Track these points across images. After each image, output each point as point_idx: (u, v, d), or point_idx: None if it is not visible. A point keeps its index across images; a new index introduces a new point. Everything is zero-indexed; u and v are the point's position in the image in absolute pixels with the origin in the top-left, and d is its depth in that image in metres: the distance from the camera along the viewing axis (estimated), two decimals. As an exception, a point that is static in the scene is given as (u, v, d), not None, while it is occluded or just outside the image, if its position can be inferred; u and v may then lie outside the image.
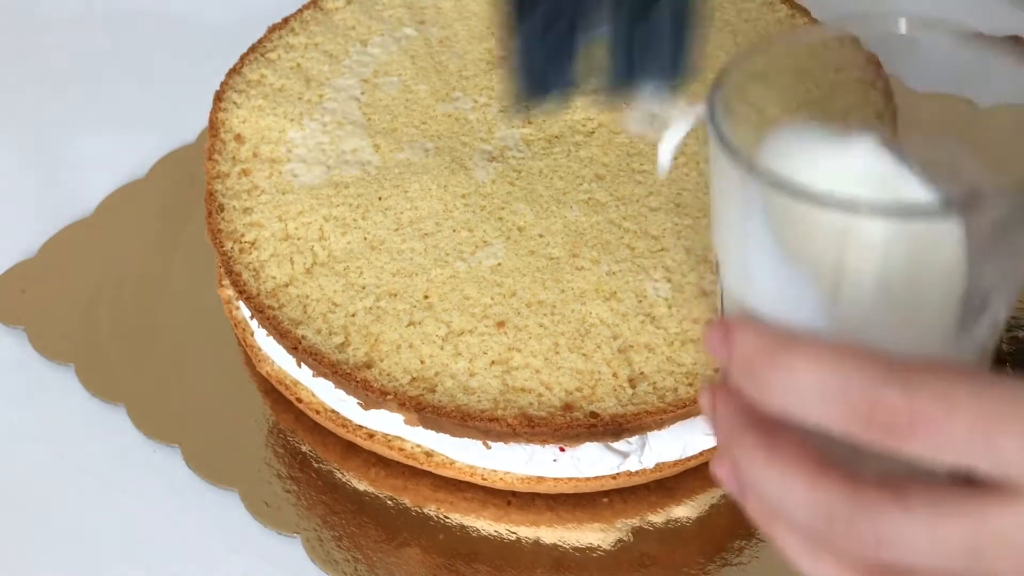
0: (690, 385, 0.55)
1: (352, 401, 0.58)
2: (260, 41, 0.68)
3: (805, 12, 0.70)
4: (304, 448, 0.61)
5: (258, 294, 0.58)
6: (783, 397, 0.35)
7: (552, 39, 0.43)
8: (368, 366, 0.56)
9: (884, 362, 0.34)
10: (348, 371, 0.55)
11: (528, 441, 0.55)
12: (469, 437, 0.56)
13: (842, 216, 0.35)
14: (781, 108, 0.41)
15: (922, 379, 0.33)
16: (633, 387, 0.55)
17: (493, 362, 0.56)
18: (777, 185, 0.35)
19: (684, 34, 0.44)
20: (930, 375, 0.34)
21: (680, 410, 0.54)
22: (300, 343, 0.56)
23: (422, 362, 0.56)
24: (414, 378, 0.55)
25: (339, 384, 0.56)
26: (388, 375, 0.55)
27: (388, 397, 0.55)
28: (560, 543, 0.58)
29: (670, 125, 0.43)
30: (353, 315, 0.57)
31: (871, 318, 0.36)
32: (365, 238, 0.60)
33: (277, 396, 0.62)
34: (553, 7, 0.43)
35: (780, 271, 0.37)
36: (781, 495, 0.36)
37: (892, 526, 0.34)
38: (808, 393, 0.34)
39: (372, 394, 0.55)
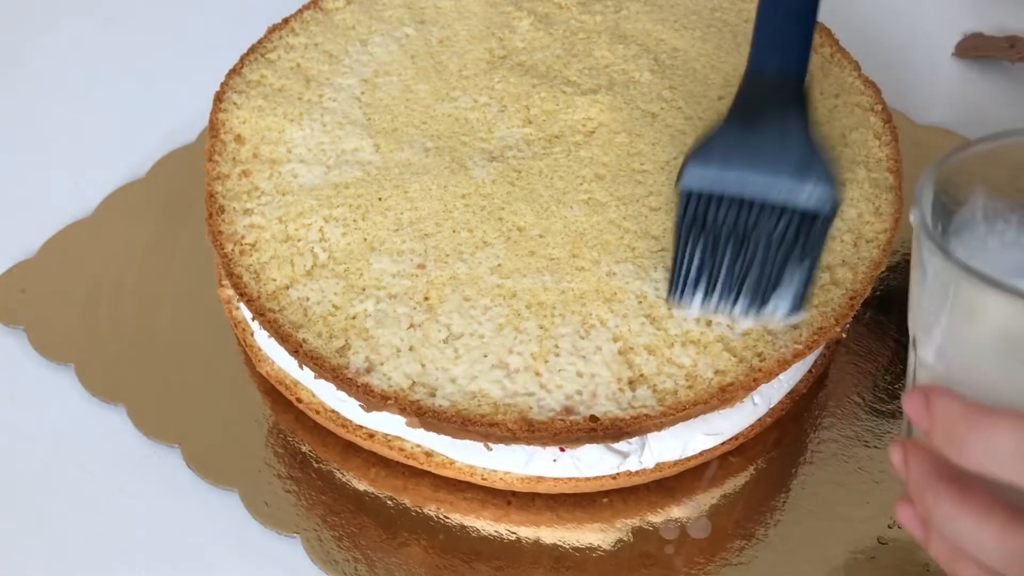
0: (690, 388, 0.55)
1: (352, 401, 0.58)
2: (260, 42, 0.68)
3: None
4: (304, 448, 0.61)
5: (259, 297, 0.58)
6: (982, 456, 0.40)
7: (707, 261, 0.56)
8: (369, 370, 0.56)
9: None
10: (349, 376, 0.55)
11: (528, 443, 0.55)
12: (470, 439, 0.56)
13: None
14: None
15: None
16: (633, 389, 0.55)
17: (493, 365, 0.56)
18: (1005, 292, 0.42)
19: (811, 272, 0.56)
20: None
21: (679, 413, 0.54)
22: (301, 347, 0.56)
23: (423, 365, 0.56)
24: (415, 382, 0.55)
25: (340, 387, 0.56)
26: (389, 379, 0.55)
27: (389, 402, 0.55)
28: (560, 543, 0.58)
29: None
30: (353, 318, 0.57)
31: None
32: (365, 239, 0.60)
33: (277, 396, 0.62)
34: (712, 242, 0.56)
35: (992, 362, 0.44)
36: (974, 536, 0.40)
37: None
38: (1006, 454, 0.39)
39: (373, 399, 0.55)
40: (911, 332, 0.50)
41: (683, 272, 0.56)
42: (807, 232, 0.55)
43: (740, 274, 0.56)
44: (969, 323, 0.44)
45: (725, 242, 0.56)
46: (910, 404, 0.43)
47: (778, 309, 0.56)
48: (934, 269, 0.45)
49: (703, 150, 0.56)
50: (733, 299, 0.56)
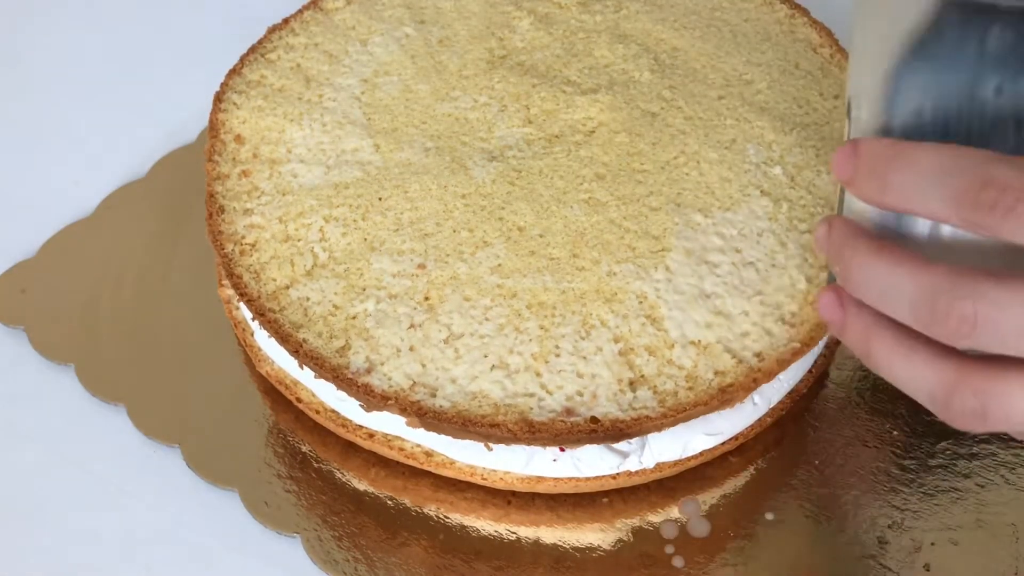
0: (690, 389, 0.55)
1: (352, 401, 0.58)
2: (260, 42, 0.68)
3: (805, 12, 0.71)
4: (304, 448, 0.61)
5: (259, 297, 0.58)
6: (903, 189, 0.39)
7: None
8: (369, 371, 0.56)
9: (996, 152, 0.38)
10: (350, 377, 0.55)
11: (529, 444, 0.55)
12: (470, 440, 0.56)
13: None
14: None
15: None
16: (633, 391, 0.55)
17: (494, 366, 0.56)
18: None
19: None
20: None
21: (680, 415, 0.54)
22: (301, 347, 0.56)
23: (423, 366, 0.56)
24: (415, 383, 0.55)
25: (340, 387, 0.56)
26: (389, 379, 0.55)
27: (390, 402, 0.55)
28: (560, 543, 0.58)
29: None
30: (354, 318, 0.57)
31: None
32: (365, 239, 0.60)
33: (277, 396, 0.62)
34: None
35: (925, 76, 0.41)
36: (888, 285, 0.40)
37: (990, 300, 0.38)
38: (926, 178, 0.38)
39: (374, 399, 0.55)
40: (848, 96, 0.47)
41: None
42: None
43: None
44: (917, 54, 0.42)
45: None
46: (838, 158, 0.42)
47: None
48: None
49: None
50: None
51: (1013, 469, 0.60)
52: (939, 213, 0.38)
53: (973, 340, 0.38)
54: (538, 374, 0.56)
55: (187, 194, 0.70)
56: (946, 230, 0.41)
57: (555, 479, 0.58)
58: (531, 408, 0.54)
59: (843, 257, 0.42)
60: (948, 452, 0.60)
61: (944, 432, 0.61)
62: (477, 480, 0.59)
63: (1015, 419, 0.39)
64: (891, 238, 0.42)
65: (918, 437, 0.61)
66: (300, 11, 0.70)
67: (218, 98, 0.66)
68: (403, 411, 0.55)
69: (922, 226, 0.42)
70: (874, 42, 0.44)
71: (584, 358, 0.56)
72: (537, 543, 0.58)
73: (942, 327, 0.39)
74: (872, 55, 0.44)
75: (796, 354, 0.56)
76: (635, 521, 0.58)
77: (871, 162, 0.40)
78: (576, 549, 0.58)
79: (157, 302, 0.66)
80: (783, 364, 0.56)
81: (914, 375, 0.41)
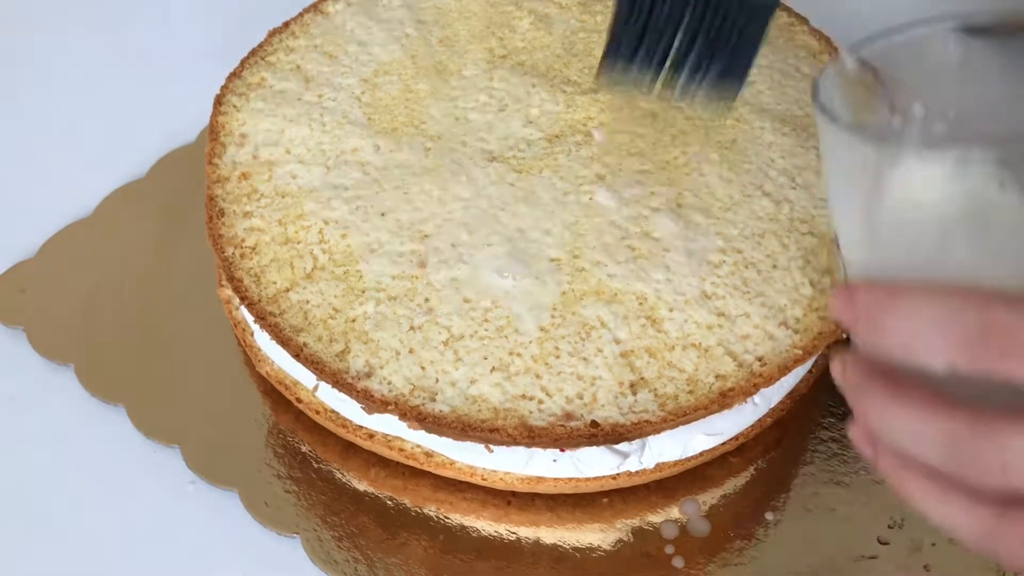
0: (690, 392, 0.55)
1: (353, 402, 0.58)
2: (260, 45, 0.68)
3: (804, 21, 0.70)
4: (304, 448, 0.61)
5: (259, 300, 0.58)
6: (905, 337, 0.38)
7: (646, 42, 0.54)
8: (369, 374, 0.56)
9: (991, 292, 0.37)
10: (349, 381, 0.55)
11: (529, 447, 0.55)
12: (471, 441, 0.56)
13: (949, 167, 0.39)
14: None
15: None
16: (634, 393, 0.55)
17: (493, 368, 0.56)
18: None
19: (755, 39, 0.54)
20: None
21: (680, 418, 0.54)
22: (302, 351, 0.56)
23: (423, 368, 0.56)
24: (415, 387, 0.55)
25: (341, 391, 0.56)
26: (389, 383, 0.55)
27: (390, 407, 0.55)
28: (560, 543, 0.58)
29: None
30: (353, 320, 0.57)
31: (976, 264, 0.40)
32: (365, 241, 0.60)
33: (277, 396, 0.62)
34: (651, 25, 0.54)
35: (893, 231, 0.41)
36: (909, 432, 0.39)
37: (1016, 449, 0.37)
38: (927, 328, 0.38)
39: (374, 403, 0.55)
40: (833, 232, 0.47)
41: (621, 42, 0.55)
42: (748, 24, 0.54)
43: (682, 48, 0.54)
44: (883, 202, 0.41)
45: (665, 23, 0.54)
46: (836, 303, 0.41)
47: (710, 79, 0.54)
48: (849, 155, 0.41)
49: None
50: (671, 72, 0.54)
51: (1013, 469, 0.60)
52: (946, 359, 0.38)
53: (1005, 484, 0.37)
54: (538, 376, 0.56)
55: (187, 194, 0.70)
56: (954, 375, 0.40)
57: (555, 479, 0.58)
58: (530, 412, 0.54)
59: (862, 403, 0.41)
60: (948, 452, 0.60)
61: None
62: (477, 480, 0.59)
63: None
64: (908, 372, 0.40)
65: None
66: (300, 14, 0.70)
67: (218, 101, 0.66)
68: (403, 416, 0.55)
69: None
70: (842, 183, 0.43)
71: (584, 360, 0.56)
72: (537, 543, 0.58)
73: (971, 474, 0.38)
74: (843, 196, 0.43)
75: (798, 360, 0.56)
76: (635, 521, 0.58)
77: (869, 312, 0.40)
78: (576, 549, 0.58)
79: (157, 302, 0.66)
80: (784, 370, 0.56)
81: (954, 520, 0.40)
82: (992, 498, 0.38)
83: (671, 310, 0.57)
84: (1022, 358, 0.36)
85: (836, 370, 0.43)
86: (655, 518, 0.59)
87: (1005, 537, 0.38)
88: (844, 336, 0.62)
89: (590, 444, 0.55)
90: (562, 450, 0.57)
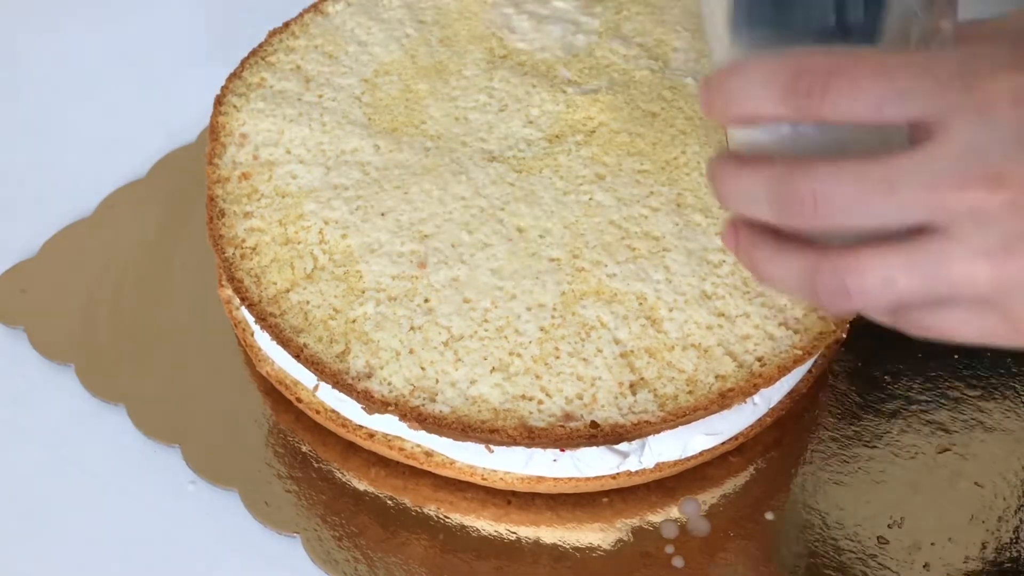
0: (690, 393, 0.55)
1: (352, 401, 0.58)
2: (261, 46, 0.68)
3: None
4: (304, 448, 0.61)
5: (259, 301, 0.58)
6: (740, 97, 0.43)
7: None
8: (369, 375, 0.56)
9: (814, 51, 0.42)
10: (349, 382, 0.55)
11: (529, 447, 0.55)
12: (471, 442, 0.56)
13: None
14: None
15: (839, 51, 0.42)
16: (634, 394, 0.55)
17: (493, 368, 0.56)
18: None
19: None
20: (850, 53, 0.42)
21: (680, 419, 0.54)
22: (302, 351, 0.56)
23: (423, 369, 0.56)
24: (415, 387, 0.55)
25: (341, 392, 0.56)
26: (389, 384, 0.55)
27: (390, 408, 0.55)
28: (560, 543, 0.58)
29: None
30: (353, 321, 0.57)
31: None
32: (365, 241, 0.60)
33: (277, 396, 0.62)
34: None
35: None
36: (746, 193, 0.44)
37: (823, 178, 0.41)
38: (756, 83, 0.42)
39: (374, 404, 0.55)
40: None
41: None
42: None
43: None
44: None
45: None
46: (702, 95, 0.45)
47: None
48: None
49: None
50: None
51: (1015, 471, 0.60)
52: (775, 112, 0.42)
53: (819, 219, 0.42)
54: (538, 376, 0.56)
55: (187, 194, 0.70)
56: (786, 133, 0.44)
57: (555, 479, 0.58)
58: (530, 413, 0.55)
59: (715, 177, 0.45)
60: (949, 453, 0.60)
61: (945, 432, 0.61)
62: (477, 480, 0.59)
63: (872, 292, 0.42)
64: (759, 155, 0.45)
65: (919, 437, 0.61)
66: (300, 14, 0.70)
67: (218, 101, 0.66)
68: (403, 416, 0.55)
69: (770, 135, 0.45)
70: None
71: (584, 360, 0.56)
72: (537, 543, 0.58)
73: (789, 212, 0.42)
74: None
75: (798, 361, 0.56)
76: (635, 521, 0.58)
77: (719, 85, 0.44)
78: (576, 549, 0.58)
79: (157, 302, 0.66)
80: (784, 371, 0.56)
81: (787, 271, 0.44)
82: (811, 250, 0.43)
83: (671, 310, 0.57)
84: (829, 94, 0.41)
85: (708, 170, 0.47)
86: (655, 518, 0.59)
87: (821, 274, 0.42)
88: (844, 336, 0.63)
89: (590, 444, 0.55)
90: (562, 450, 0.57)
